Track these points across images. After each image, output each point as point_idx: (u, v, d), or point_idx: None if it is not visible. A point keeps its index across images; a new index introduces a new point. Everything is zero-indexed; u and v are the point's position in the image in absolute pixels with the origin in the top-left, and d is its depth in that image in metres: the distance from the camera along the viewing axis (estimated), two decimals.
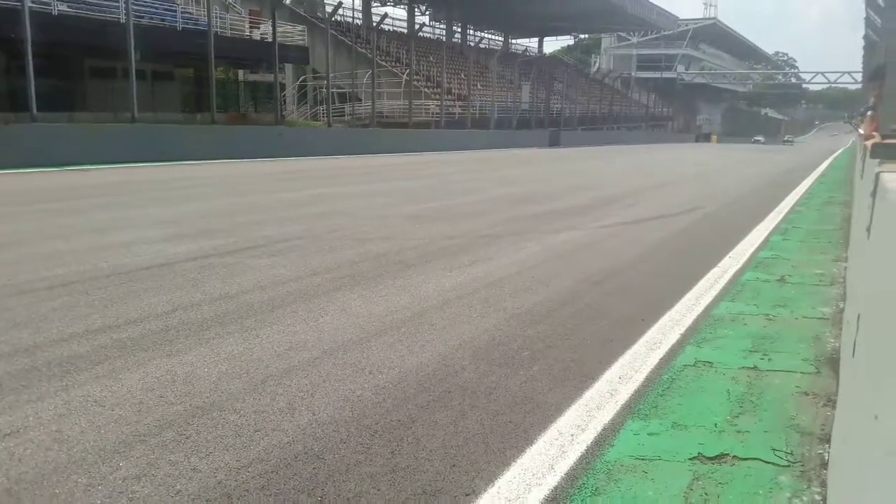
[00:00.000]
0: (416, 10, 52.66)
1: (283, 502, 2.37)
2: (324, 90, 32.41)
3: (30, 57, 17.30)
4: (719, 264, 6.71)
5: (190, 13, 27.07)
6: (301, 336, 4.14)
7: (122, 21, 20.61)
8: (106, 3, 22.26)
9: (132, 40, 19.81)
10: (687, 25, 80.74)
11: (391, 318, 4.57)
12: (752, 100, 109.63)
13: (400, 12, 52.20)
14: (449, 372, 3.63)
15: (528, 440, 2.87)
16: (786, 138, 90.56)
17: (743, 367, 3.79)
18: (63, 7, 21.09)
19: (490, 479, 2.55)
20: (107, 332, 4.09)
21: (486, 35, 59.28)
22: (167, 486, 2.43)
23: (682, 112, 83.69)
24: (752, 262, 6.86)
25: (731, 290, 5.66)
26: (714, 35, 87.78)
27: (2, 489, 2.38)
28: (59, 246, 6.76)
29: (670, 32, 76.40)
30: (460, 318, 4.62)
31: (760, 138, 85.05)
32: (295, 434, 2.86)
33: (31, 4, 18.02)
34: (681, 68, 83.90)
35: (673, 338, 4.31)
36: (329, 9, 32.95)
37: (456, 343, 4.10)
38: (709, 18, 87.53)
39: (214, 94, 23.43)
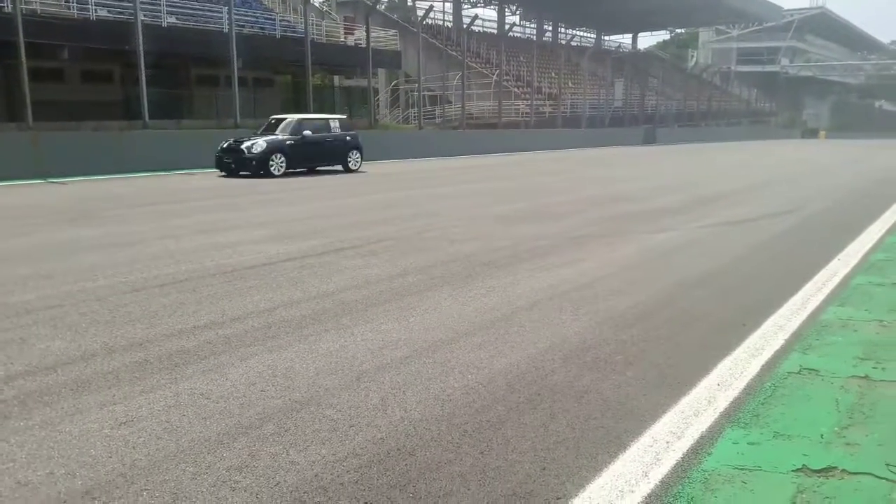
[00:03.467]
0: (507, 10, 52.53)
1: (376, 497, 2.42)
2: (415, 93, 32.87)
3: (142, 67, 18.45)
4: (827, 266, 6.36)
5: (288, 21, 28.06)
6: (393, 334, 4.22)
7: (226, 31, 21.63)
8: (210, 14, 23.40)
9: (234, 49, 20.76)
10: (792, 16, 76.73)
11: (480, 319, 4.59)
12: (865, 92, 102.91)
13: (490, 13, 52.29)
14: (539, 374, 3.61)
15: (621, 446, 2.82)
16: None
17: (853, 376, 3.58)
18: (172, 19, 22.34)
19: (581, 484, 2.52)
20: (213, 328, 4.31)
21: (577, 33, 58.46)
22: (267, 477, 2.54)
23: (786, 107, 79.65)
24: (865, 265, 6.46)
25: (841, 293, 5.35)
26: (822, 25, 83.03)
27: (117, 474, 2.55)
28: (170, 246, 7.16)
29: (773, 24, 72.90)
30: (550, 320, 4.58)
31: None
32: (388, 430, 2.93)
33: (143, 18, 19.20)
34: (785, 61, 79.82)
35: (776, 344, 4.13)
36: (420, 13, 33.37)
37: (546, 345, 4.08)
38: (816, 7, 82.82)
39: (311, 100, 24.18)
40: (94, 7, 20.64)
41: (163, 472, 2.57)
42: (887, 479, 2.55)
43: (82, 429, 2.91)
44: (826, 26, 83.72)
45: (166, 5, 22.13)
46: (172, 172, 17.23)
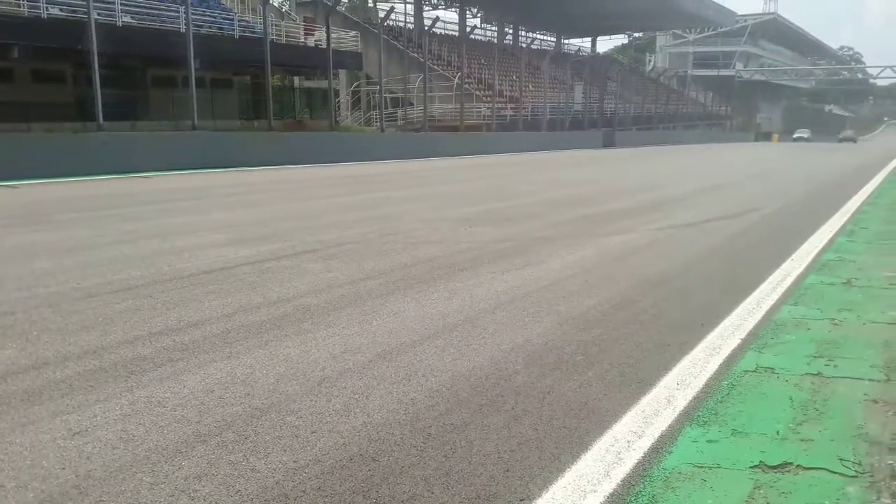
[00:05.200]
0: (468, 12, 52.72)
1: None
2: (377, 95, 32.75)
3: (96, 67, 18.01)
4: (781, 267, 6.51)
5: (247, 21, 27.74)
6: (356, 339, 4.19)
7: (183, 31, 21.27)
8: (167, 13, 23.00)
9: (192, 49, 20.42)
10: (745, 21, 78.72)
11: (443, 322, 4.58)
12: (815, 97, 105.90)
13: (451, 15, 52.56)
14: (502, 376, 3.61)
15: (583, 446, 2.84)
16: (842, 135, 73.92)
17: (806, 374, 3.67)
18: (127, 19, 21.89)
19: (544, 484, 2.53)
20: (169, 335, 4.22)
21: (538, 36, 58.96)
22: (227, 485, 2.49)
23: (741, 110, 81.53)
24: (816, 265, 6.63)
25: (794, 293, 5.48)
26: (774, 30, 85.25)
27: (71, 485, 2.48)
28: (125, 250, 7.00)
29: (728, 29, 74.60)
30: (513, 322, 4.60)
31: (804, 133, 72.81)
32: (350, 436, 2.90)
33: (96, 17, 18.76)
34: (739, 65, 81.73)
35: (733, 343, 4.20)
36: (382, 14, 33.28)
37: (508, 347, 4.09)
38: (768, 13, 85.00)
39: (271, 101, 23.92)
40: (45, 5, 20.12)
41: (118, 482, 2.50)
42: (840, 474, 2.61)
43: (34, 440, 2.82)
44: (778, 32, 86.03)
45: (121, 4, 21.68)
46: (128, 175, 16.86)
